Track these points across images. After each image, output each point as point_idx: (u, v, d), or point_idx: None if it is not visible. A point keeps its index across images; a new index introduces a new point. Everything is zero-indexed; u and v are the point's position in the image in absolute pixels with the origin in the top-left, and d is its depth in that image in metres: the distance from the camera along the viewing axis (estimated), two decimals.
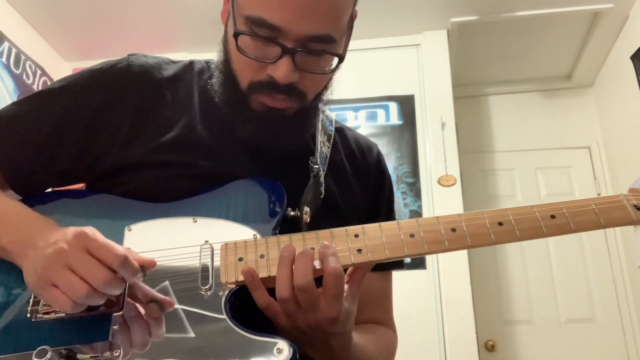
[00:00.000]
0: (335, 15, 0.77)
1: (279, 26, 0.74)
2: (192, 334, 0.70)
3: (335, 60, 0.81)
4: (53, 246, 0.66)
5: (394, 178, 3.08)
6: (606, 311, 3.38)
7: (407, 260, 2.91)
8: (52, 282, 0.65)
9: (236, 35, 0.76)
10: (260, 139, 0.83)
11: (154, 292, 0.73)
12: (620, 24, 3.25)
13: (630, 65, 3.17)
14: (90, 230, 0.67)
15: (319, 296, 0.69)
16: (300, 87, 0.80)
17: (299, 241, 0.75)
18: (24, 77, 3.15)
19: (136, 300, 0.72)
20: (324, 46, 0.78)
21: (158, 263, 0.74)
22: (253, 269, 0.72)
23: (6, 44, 3.02)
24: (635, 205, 0.78)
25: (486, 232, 0.75)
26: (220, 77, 0.86)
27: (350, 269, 0.75)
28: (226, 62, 0.84)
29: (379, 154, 1.03)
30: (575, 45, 3.56)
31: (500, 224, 0.76)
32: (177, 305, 0.72)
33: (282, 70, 0.76)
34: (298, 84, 0.79)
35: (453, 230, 0.75)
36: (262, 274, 0.73)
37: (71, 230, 0.68)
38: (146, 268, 0.70)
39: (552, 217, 0.77)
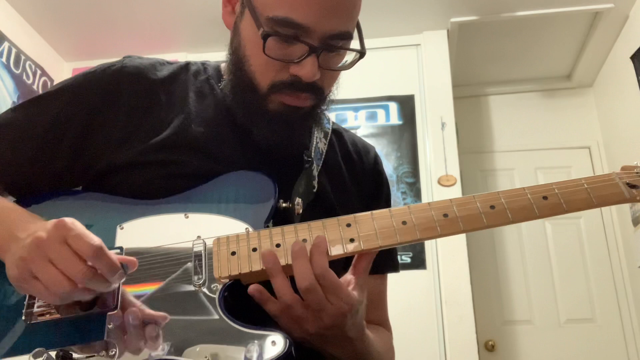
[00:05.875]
0: (354, 12, 0.80)
1: (306, 25, 0.75)
2: (216, 316, 0.70)
3: (349, 55, 0.83)
4: (32, 236, 0.66)
5: (394, 178, 3.09)
6: (606, 311, 3.37)
7: (407, 260, 2.91)
8: (33, 274, 0.65)
9: (266, 37, 0.76)
10: (276, 138, 0.83)
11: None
12: (620, 24, 3.24)
13: (630, 65, 3.16)
14: (70, 220, 0.66)
15: (326, 292, 0.70)
16: (319, 83, 0.81)
17: (291, 233, 0.75)
18: (24, 77, 3.16)
19: None
20: (343, 43, 0.80)
21: (151, 258, 0.74)
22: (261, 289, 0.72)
23: (6, 44, 3.03)
24: (627, 183, 0.77)
25: (478, 216, 0.75)
26: (233, 80, 0.86)
27: (354, 259, 0.76)
28: (240, 64, 0.83)
29: (376, 156, 1.04)
30: (575, 45, 3.56)
31: (492, 207, 0.75)
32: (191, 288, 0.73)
33: (308, 70, 0.77)
34: (318, 80, 0.80)
35: (445, 215, 0.75)
36: (255, 267, 0.72)
37: (52, 220, 0.67)
38: (127, 267, 0.69)
39: (544, 197, 0.77)
